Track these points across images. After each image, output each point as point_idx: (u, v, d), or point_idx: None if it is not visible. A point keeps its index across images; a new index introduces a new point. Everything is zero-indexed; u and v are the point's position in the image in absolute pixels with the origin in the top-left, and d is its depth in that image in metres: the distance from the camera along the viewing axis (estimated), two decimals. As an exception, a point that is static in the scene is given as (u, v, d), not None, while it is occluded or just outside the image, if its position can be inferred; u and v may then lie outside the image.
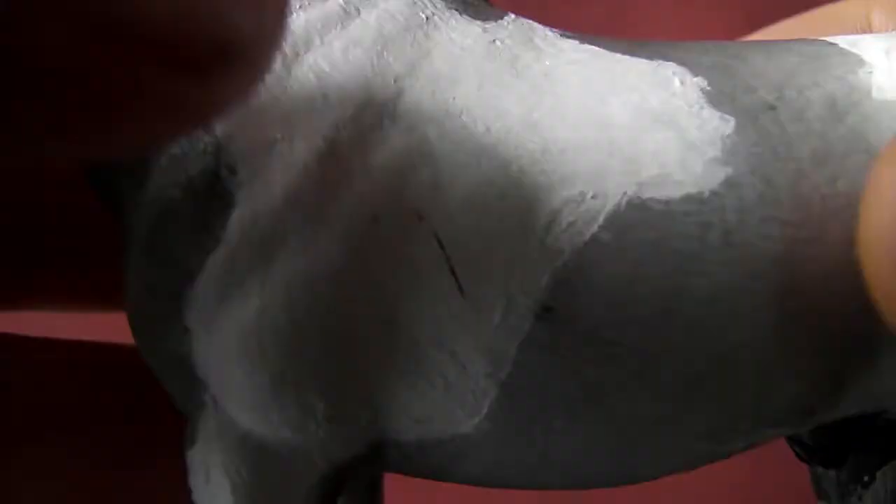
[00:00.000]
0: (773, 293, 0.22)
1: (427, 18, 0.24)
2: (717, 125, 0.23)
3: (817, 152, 0.23)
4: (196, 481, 0.23)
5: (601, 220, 0.22)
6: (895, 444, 0.28)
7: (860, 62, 0.24)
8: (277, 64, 0.22)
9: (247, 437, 0.22)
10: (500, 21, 0.25)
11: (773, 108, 0.23)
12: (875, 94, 0.24)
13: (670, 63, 0.24)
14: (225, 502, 0.22)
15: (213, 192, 0.22)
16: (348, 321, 0.22)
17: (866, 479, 0.29)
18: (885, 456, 0.29)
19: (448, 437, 0.23)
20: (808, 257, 0.23)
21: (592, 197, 0.22)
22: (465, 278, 0.22)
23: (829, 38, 0.26)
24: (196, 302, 0.22)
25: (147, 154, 0.23)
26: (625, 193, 0.22)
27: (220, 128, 0.22)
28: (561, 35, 0.25)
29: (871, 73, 0.24)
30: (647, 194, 0.22)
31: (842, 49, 0.25)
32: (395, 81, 0.23)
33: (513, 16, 0.26)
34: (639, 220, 0.22)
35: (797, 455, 0.29)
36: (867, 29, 0.35)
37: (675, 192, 0.22)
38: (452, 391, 0.22)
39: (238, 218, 0.22)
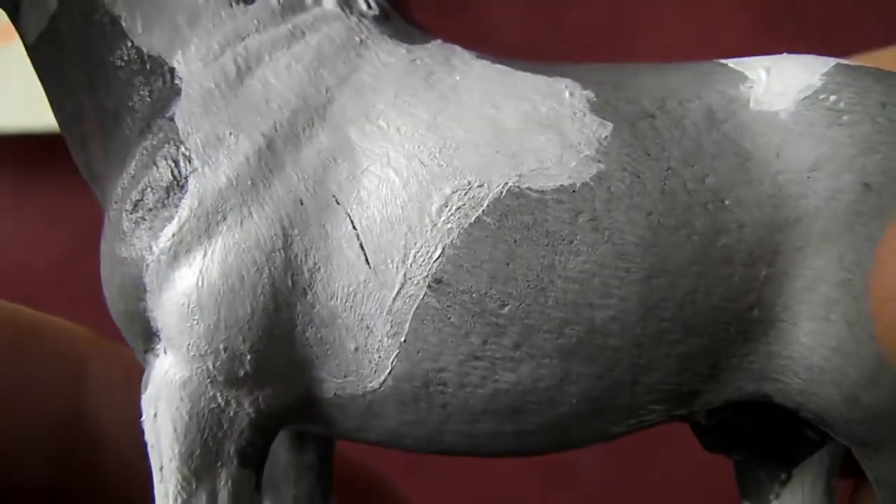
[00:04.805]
0: (639, 272, 0.27)
1: (361, 41, 0.29)
2: (595, 129, 0.28)
3: (688, 153, 0.27)
4: (147, 422, 0.28)
5: (485, 205, 0.27)
6: (807, 443, 0.31)
7: (743, 78, 0.29)
8: (233, 74, 0.28)
9: (187, 382, 0.27)
10: (424, 44, 0.30)
11: (651, 116, 0.28)
12: (752, 105, 0.28)
13: (565, 79, 0.29)
14: (168, 439, 0.27)
15: (171, 179, 0.27)
16: (273, 287, 0.27)
17: (783, 476, 0.32)
18: (799, 454, 0.31)
19: (360, 394, 0.27)
20: (672, 242, 0.27)
21: (479, 185, 0.27)
22: (372, 252, 0.27)
23: (724, 60, 0.30)
24: (154, 266, 0.27)
25: None
26: (506, 184, 0.27)
27: (181, 123, 0.28)
28: (477, 56, 0.30)
29: (751, 87, 0.29)
30: (525, 184, 0.27)
31: (729, 68, 0.29)
32: (326, 91, 0.28)
33: (439, 41, 0.31)
34: (517, 206, 0.27)
35: (703, 445, 0.32)
36: None
37: (549, 184, 0.27)
38: (360, 351, 0.27)
39: (188, 199, 0.27)
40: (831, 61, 0.29)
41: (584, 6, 0.76)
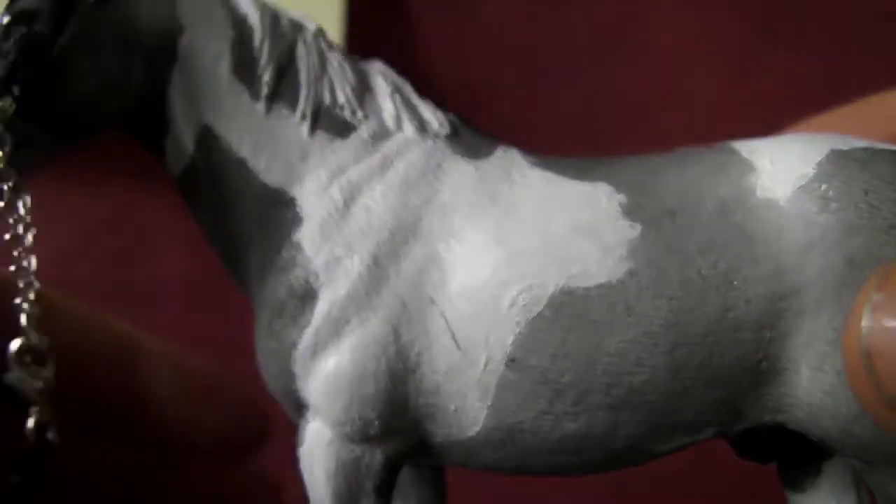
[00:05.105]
0: (664, 346, 0.34)
1: (438, 165, 0.37)
2: (626, 232, 0.35)
3: (703, 244, 0.34)
4: (305, 470, 0.36)
5: (544, 302, 0.34)
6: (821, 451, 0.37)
7: (752, 168, 0.35)
8: (341, 203, 0.36)
9: (332, 441, 0.36)
10: (489, 157, 0.37)
11: (672, 213, 0.35)
12: (759, 192, 0.35)
13: (601, 183, 0.36)
14: (321, 483, 0.36)
15: (305, 292, 0.36)
16: (390, 370, 0.35)
17: (815, 470, 0.38)
18: (823, 453, 0.38)
19: (461, 440, 0.36)
20: (690, 321, 0.34)
21: (538, 287, 0.35)
22: (461, 340, 0.35)
23: (737, 144, 0.36)
24: (300, 359, 0.36)
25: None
26: (558, 284, 0.34)
27: (307, 247, 0.36)
28: (530, 165, 0.37)
29: (758, 177, 0.35)
30: (573, 284, 0.34)
31: (740, 157, 0.36)
32: (416, 212, 0.36)
33: (501, 150, 0.38)
34: (568, 301, 0.34)
35: (736, 453, 0.39)
36: None
37: (592, 282, 0.34)
38: (459, 411, 0.35)
39: (320, 308, 0.35)
40: (826, 148, 0.35)
41: (584, 6, 0.75)
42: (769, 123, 0.72)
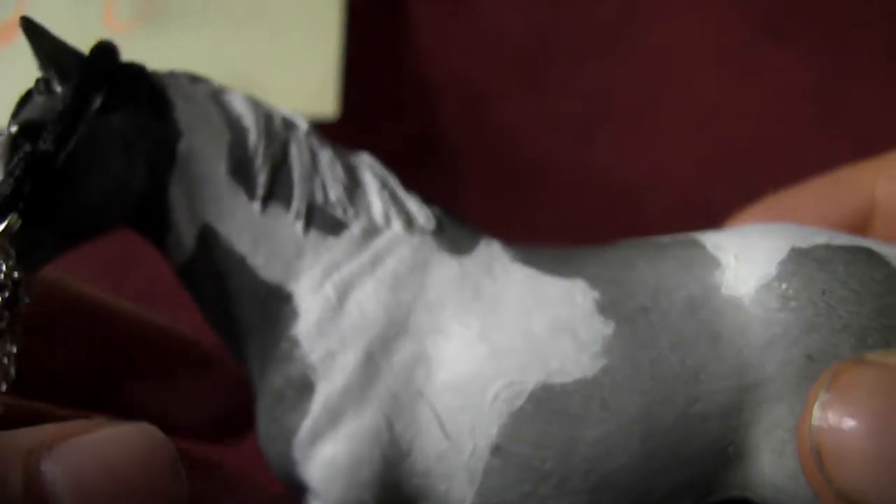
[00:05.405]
0: (637, 436, 0.36)
1: (425, 261, 0.39)
2: (600, 329, 0.37)
3: (673, 341, 0.37)
4: None
5: (524, 397, 0.37)
6: None
7: (717, 265, 0.37)
8: (334, 300, 0.38)
9: None
10: (472, 253, 0.40)
11: (646, 310, 0.37)
12: (723, 290, 0.37)
13: (578, 279, 0.38)
14: None
15: (303, 384, 0.38)
16: (383, 457, 0.38)
17: None
18: None
19: None
20: (661, 413, 0.36)
21: (519, 383, 0.37)
22: (449, 429, 0.37)
23: (704, 238, 0.38)
24: (298, 445, 0.38)
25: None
26: (537, 381, 0.37)
27: (304, 342, 0.38)
28: (512, 260, 0.40)
29: (723, 273, 0.37)
30: (551, 380, 0.37)
31: (707, 252, 0.38)
32: (405, 308, 0.38)
33: (483, 243, 0.40)
34: (547, 396, 0.37)
35: None
36: (870, 198, 0.46)
37: (569, 378, 0.37)
38: (448, 492, 0.38)
39: (318, 399, 0.38)
40: (787, 245, 0.37)
41: (584, 6, 0.75)
42: (769, 123, 0.72)
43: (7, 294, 0.35)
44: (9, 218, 0.35)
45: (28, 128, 0.36)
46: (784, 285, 0.36)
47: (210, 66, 0.69)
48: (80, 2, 0.68)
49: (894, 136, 0.61)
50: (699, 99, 0.73)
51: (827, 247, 0.37)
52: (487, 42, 0.75)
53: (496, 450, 0.37)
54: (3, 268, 0.35)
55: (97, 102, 0.37)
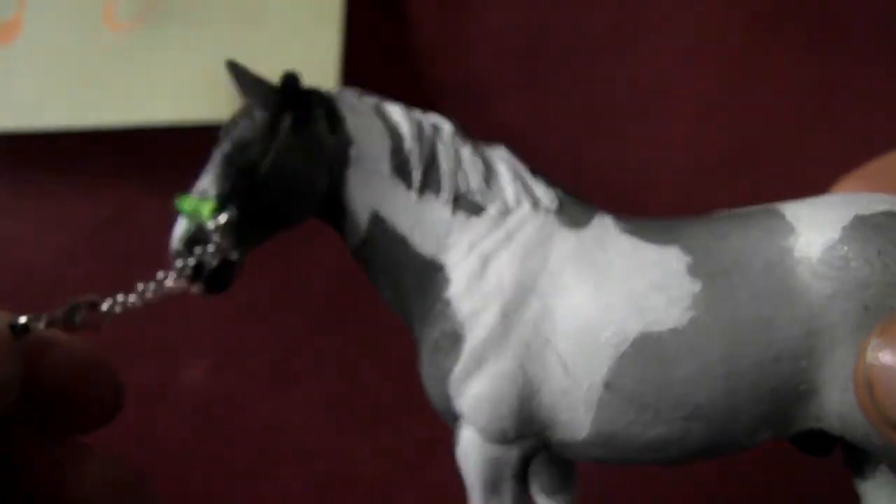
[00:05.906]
0: (721, 375, 0.44)
1: (549, 235, 0.47)
2: (689, 287, 0.45)
3: (750, 295, 0.44)
4: (463, 466, 0.48)
5: (628, 343, 0.45)
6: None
7: (792, 230, 0.44)
8: (478, 268, 0.47)
9: (480, 444, 0.47)
10: (588, 226, 0.48)
11: (727, 272, 0.44)
12: (796, 253, 0.44)
13: (674, 247, 0.46)
14: (473, 474, 0.48)
15: (455, 336, 0.47)
16: (519, 394, 0.46)
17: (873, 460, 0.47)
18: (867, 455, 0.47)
19: (575, 442, 0.46)
20: (740, 355, 0.43)
21: (623, 331, 0.45)
22: (570, 368, 0.45)
23: (784, 208, 0.45)
24: (453, 383, 0.47)
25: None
26: (638, 330, 0.45)
27: (455, 303, 0.47)
28: (620, 231, 0.47)
29: (797, 239, 0.44)
30: (649, 329, 0.45)
31: (786, 221, 0.45)
32: (533, 275, 0.46)
33: (596, 218, 0.48)
34: (645, 342, 0.44)
35: (799, 450, 0.48)
36: None
37: (663, 328, 0.44)
38: (571, 420, 0.46)
39: (466, 348, 0.46)
40: (851, 213, 0.43)
41: (584, 5, 0.75)
42: (769, 123, 0.72)
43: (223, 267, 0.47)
44: (228, 210, 0.46)
45: (238, 145, 0.48)
46: (846, 248, 0.43)
47: (210, 66, 0.69)
48: (80, 2, 0.68)
49: (894, 135, 0.61)
50: (699, 98, 0.73)
51: (885, 213, 0.43)
52: (487, 42, 0.75)
53: (607, 385, 0.45)
54: (227, 247, 0.47)
55: (288, 122, 0.48)
